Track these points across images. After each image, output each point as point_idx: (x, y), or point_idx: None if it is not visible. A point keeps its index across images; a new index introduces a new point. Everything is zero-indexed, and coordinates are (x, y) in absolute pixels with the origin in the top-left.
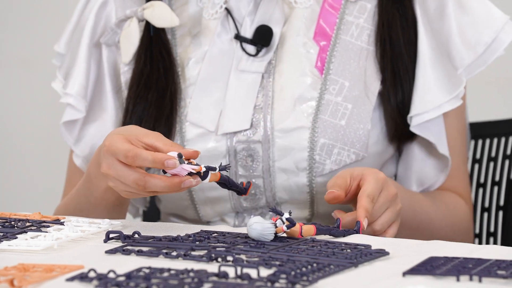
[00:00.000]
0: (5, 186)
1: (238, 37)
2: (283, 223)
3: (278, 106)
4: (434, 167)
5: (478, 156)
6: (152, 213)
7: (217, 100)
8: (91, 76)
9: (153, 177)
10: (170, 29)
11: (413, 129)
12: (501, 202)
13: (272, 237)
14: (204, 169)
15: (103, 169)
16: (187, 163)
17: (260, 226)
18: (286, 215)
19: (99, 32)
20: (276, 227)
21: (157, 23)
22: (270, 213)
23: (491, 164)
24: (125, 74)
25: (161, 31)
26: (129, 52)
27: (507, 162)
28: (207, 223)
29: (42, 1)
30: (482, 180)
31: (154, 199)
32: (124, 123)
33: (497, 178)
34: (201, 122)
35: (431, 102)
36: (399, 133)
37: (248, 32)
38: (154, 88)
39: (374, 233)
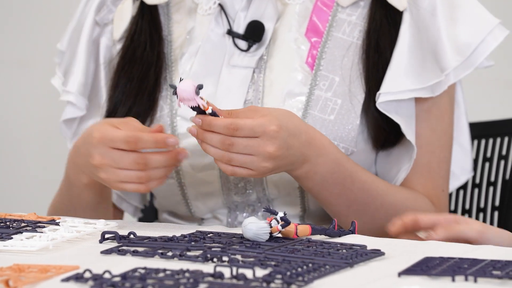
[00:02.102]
0: (1, 187)
1: (231, 32)
2: (278, 222)
3: (268, 101)
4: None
5: (473, 156)
6: (148, 214)
7: (209, 95)
8: (89, 73)
9: (152, 154)
10: (167, 26)
11: (379, 106)
12: (497, 203)
13: (267, 237)
14: (210, 111)
15: (96, 160)
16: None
17: (255, 226)
18: (281, 214)
19: (97, 29)
20: (271, 227)
21: (149, 0)
22: (264, 211)
23: (487, 165)
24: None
25: (153, 9)
26: (120, 29)
27: (502, 163)
28: (200, 220)
29: (40, 2)
30: (477, 180)
31: (152, 197)
32: (108, 98)
33: (492, 178)
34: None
35: (400, 84)
36: (383, 137)
37: (240, 27)
38: (138, 63)
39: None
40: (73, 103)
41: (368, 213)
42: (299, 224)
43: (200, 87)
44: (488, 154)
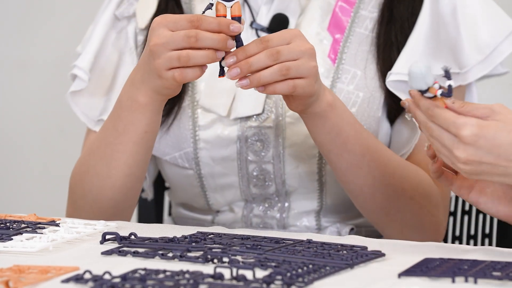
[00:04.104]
0: (1, 187)
1: (254, 24)
2: (440, 88)
3: None
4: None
5: None
6: (149, 213)
7: (230, 86)
8: (102, 58)
9: (203, 31)
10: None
11: (387, 84)
12: None
13: (430, 82)
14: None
15: (153, 42)
16: None
17: (424, 69)
18: (452, 82)
19: (119, 23)
20: (433, 86)
21: None
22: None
23: None
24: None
25: None
26: (145, 17)
27: None
28: (216, 212)
29: (37, 2)
30: None
31: (161, 192)
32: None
33: None
34: (213, 107)
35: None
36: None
37: (264, 20)
38: None
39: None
40: (80, 77)
41: (377, 169)
42: None
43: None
44: None
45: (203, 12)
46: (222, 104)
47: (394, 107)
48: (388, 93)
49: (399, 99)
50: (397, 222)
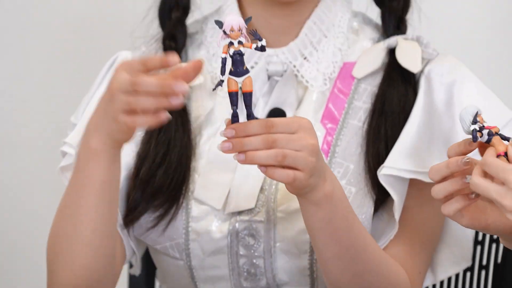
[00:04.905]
0: (1, 187)
1: (251, 117)
2: (479, 130)
3: (283, 187)
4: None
5: None
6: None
7: (226, 179)
8: None
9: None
10: (187, 105)
11: (380, 177)
12: (489, 287)
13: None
14: (255, 46)
15: (110, 86)
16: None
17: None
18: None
19: None
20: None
21: None
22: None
23: (478, 248)
24: None
25: None
26: None
27: (494, 246)
28: None
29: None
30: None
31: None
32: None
33: (484, 262)
34: (208, 200)
35: (403, 163)
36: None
37: (260, 113)
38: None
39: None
40: (71, 154)
41: (359, 264)
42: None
43: (248, 20)
44: (480, 237)
45: (214, 89)
46: (217, 198)
47: (379, 198)
48: (375, 183)
49: (385, 190)
50: None
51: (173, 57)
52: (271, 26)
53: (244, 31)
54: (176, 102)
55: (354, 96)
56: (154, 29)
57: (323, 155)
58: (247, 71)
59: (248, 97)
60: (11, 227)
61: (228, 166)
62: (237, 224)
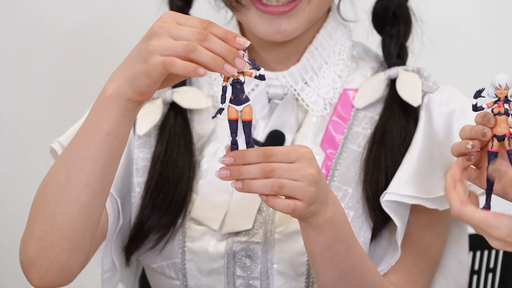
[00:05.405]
0: (1, 187)
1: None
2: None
3: None
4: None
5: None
6: None
7: (223, 199)
8: None
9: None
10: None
11: (382, 203)
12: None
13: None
14: (256, 74)
15: (158, 24)
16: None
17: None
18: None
19: None
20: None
21: (186, 104)
22: None
23: (475, 277)
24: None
25: (185, 111)
26: (146, 126)
27: (490, 276)
28: None
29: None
30: None
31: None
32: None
33: None
34: (205, 220)
35: (406, 189)
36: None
37: (260, 135)
38: (174, 166)
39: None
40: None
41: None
42: None
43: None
44: (476, 267)
45: (214, 117)
46: (215, 218)
47: (377, 226)
48: (372, 212)
49: (383, 218)
50: None
51: (245, 41)
52: (270, 57)
53: (245, 58)
54: (229, 70)
55: (353, 122)
56: None
57: None
58: (247, 100)
59: (247, 126)
60: (11, 227)
61: (226, 187)
62: (234, 245)
